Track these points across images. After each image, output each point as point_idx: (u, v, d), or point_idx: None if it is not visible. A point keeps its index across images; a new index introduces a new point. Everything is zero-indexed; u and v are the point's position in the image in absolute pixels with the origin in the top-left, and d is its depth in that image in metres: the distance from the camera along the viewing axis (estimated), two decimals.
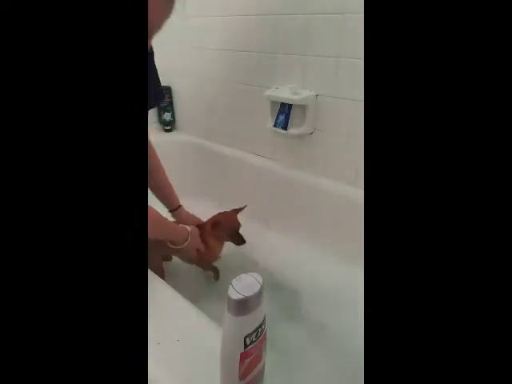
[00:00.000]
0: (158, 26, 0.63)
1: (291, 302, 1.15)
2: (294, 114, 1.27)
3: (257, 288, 0.45)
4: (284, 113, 1.28)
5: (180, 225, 1.02)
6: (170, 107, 1.80)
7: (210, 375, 0.51)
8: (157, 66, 0.82)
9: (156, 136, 1.75)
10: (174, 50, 1.66)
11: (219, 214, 1.14)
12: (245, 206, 1.14)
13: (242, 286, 0.45)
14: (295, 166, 1.37)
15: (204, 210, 1.19)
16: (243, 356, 0.46)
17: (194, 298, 0.73)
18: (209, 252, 1.11)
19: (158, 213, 0.89)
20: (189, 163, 1.72)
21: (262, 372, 0.54)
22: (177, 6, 0.62)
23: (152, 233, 1.08)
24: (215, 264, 1.21)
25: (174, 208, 1.13)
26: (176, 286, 0.74)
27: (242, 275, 0.47)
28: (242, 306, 0.44)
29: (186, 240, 1.00)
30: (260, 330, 0.47)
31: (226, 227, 1.10)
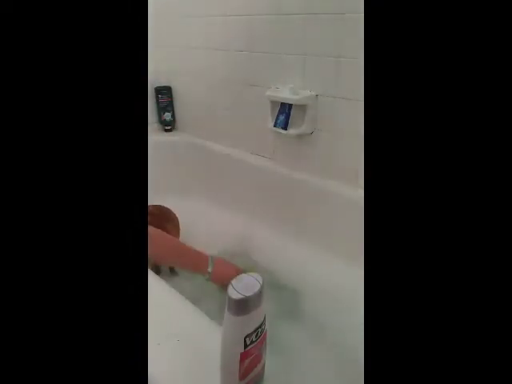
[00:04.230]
0: None
1: (291, 302, 1.14)
2: (294, 114, 1.26)
3: (257, 288, 0.45)
4: (284, 113, 1.28)
5: (199, 251, 0.99)
6: (170, 107, 1.80)
7: (210, 375, 0.51)
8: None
9: (156, 136, 1.76)
10: (174, 50, 1.66)
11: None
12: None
13: (242, 285, 0.45)
14: (295, 166, 1.37)
15: (204, 210, 1.19)
16: (243, 356, 0.46)
17: (194, 298, 0.73)
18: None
19: (178, 241, 0.87)
20: (189, 163, 1.71)
21: (262, 372, 0.54)
22: None
23: (173, 262, 1.07)
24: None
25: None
26: (176, 286, 0.74)
27: (242, 275, 0.47)
28: (242, 306, 0.44)
29: (207, 267, 0.98)
30: (260, 330, 0.47)
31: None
